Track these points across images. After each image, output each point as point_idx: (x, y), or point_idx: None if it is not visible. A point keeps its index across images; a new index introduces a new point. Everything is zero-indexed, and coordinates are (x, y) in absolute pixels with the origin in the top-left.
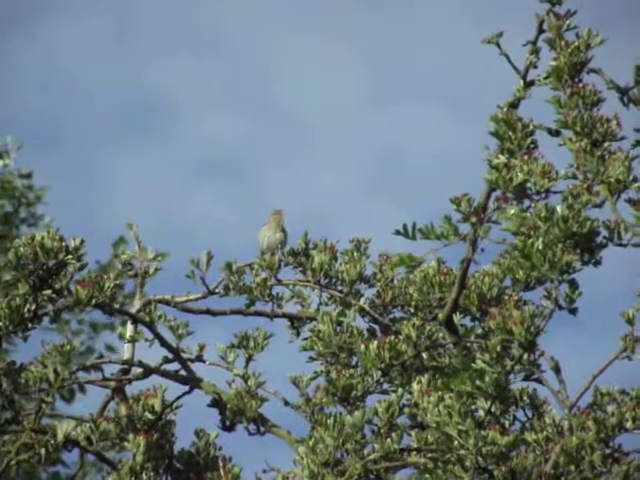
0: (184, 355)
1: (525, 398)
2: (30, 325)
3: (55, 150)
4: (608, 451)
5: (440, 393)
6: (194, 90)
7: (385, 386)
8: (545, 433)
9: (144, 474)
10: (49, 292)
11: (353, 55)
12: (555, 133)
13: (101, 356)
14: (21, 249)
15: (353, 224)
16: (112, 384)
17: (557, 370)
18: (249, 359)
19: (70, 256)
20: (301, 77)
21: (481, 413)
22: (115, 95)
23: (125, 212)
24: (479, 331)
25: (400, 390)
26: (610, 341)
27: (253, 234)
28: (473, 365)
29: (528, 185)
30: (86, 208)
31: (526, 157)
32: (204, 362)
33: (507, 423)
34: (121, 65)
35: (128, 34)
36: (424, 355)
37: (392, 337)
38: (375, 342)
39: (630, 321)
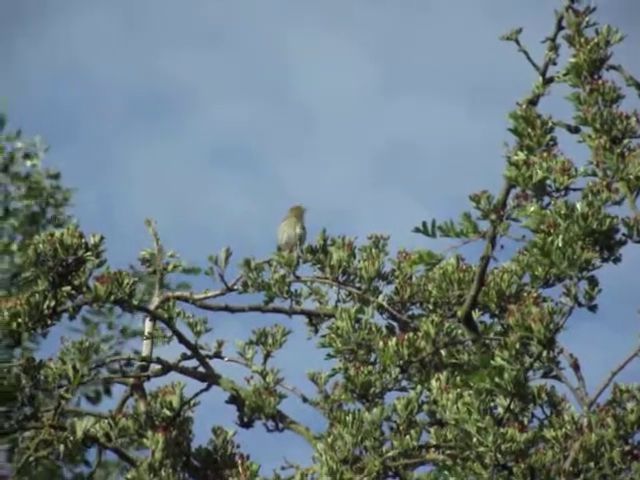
0: (202, 352)
1: (543, 396)
2: (49, 322)
3: (68, 143)
4: (627, 448)
5: (459, 390)
6: (205, 81)
7: (404, 383)
8: (564, 430)
9: (163, 471)
10: (68, 288)
11: (364, 47)
12: (574, 130)
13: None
14: (40, 246)
15: (365, 215)
16: (131, 381)
17: (576, 367)
18: (267, 356)
19: (89, 253)
20: (313, 68)
21: (500, 410)
22: (127, 87)
23: (140, 204)
24: (498, 328)
25: (419, 387)
26: (631, 336)
27: (266, 223)
28: (492, 362)
29: (547, 182)
30: (101, 201)
31: (545, 154)
32: (222, 359)
33: (526, 420)
34: (132, 57)
35: (138, 25)
36: (443, 352)
37: (411, 334)
38: (394, 339)
39: None
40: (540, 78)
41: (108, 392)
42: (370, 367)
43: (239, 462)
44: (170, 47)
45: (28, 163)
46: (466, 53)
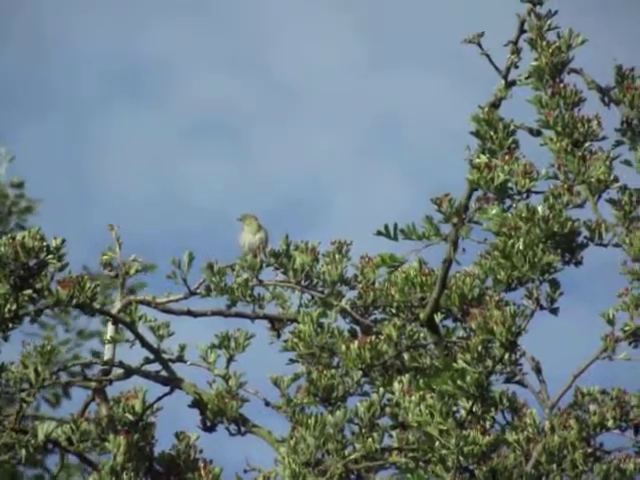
0: (165, 356)
1: (505, 401)
2: (11, 325)
3: (43, 117)
4: (590, 450)
5: (421, 393)
6: (185, 54)
7: (366, 387)
8: (526, 433)
9: (125, 474)
10: (30, 292)
11: (349, 21)
12: (536, 133)
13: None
14: (2, 249)
15: (349, 188)
16: (93, 385)
17: (538, 370)
18: (230, 359)
19: (51, 255)
20: (297, 41)
21: (462, 413)
22: (104, 60)
23: (117, 179)
24: (460, 332)
25: (381, 390)
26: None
27: (245, 198)
28: (454, 365)
29: (509, 185)
30: (78, 174)
31: (507, 157)
32: (185, 362)
33: (488, 425)
34: (110, 29)
35: None
36: (405, 356)
37: (373, 337)
38: (356, 342)
39: (610, 321)
40: (502, 81)
41: (68, 395)
42: (333, 370)
43: (202, 466)
44: (149, 19)
45: None
46: (453, 25)
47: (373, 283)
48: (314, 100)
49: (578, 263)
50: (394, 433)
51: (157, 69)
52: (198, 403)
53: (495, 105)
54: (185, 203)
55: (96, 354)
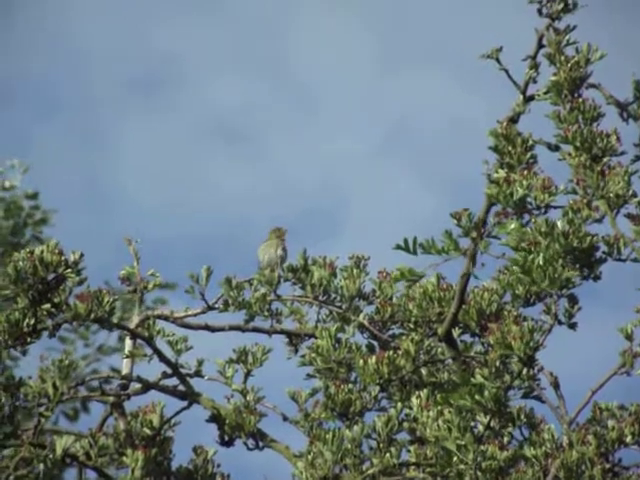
0: (183, 370)
1: (522, 417)
2: (29, 339)
3: (58, 117)
4: (608, 465)
5: (439, 408)
6: (200, 56)
7: (384, 402)
8: (544, 449)
9: None
10: (48, 306)
11: (365, 24)
12: (555, 148)
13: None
14: (20, 263)
15: (366, 191)
16: (111, 399)
17: (556, 385)
18: (248, 374)
19: (69, 270)
20: (311, 43)
21: (480, 428)
22: (120, 61)
23: (131, 181)
24: (478, 347)
25: (399, 405)
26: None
27: (260, 201)
28: (472, 380)
29: (528, 200)
30: (92, 177)
31: (526, 172)
32: (203, 377)
33: (505, 440)
34: (126, 30)
35: None
36: (423, 371)
37: (390, 352)
38: (373, 357)
39: (629, 337)
40: (521, 96)
41: (86, 410)
42: (350, 385)
43: None
44: (165, 21)
45: (7, 184)
46: (465, 28)
47: (391, 298)
48: (331, 103)
49: (597, 278)
50: (412, 448)
51: (172, 71)
52: (216, 418)
53: (513, 120)
54: (202, 208)
55: (115, 369)
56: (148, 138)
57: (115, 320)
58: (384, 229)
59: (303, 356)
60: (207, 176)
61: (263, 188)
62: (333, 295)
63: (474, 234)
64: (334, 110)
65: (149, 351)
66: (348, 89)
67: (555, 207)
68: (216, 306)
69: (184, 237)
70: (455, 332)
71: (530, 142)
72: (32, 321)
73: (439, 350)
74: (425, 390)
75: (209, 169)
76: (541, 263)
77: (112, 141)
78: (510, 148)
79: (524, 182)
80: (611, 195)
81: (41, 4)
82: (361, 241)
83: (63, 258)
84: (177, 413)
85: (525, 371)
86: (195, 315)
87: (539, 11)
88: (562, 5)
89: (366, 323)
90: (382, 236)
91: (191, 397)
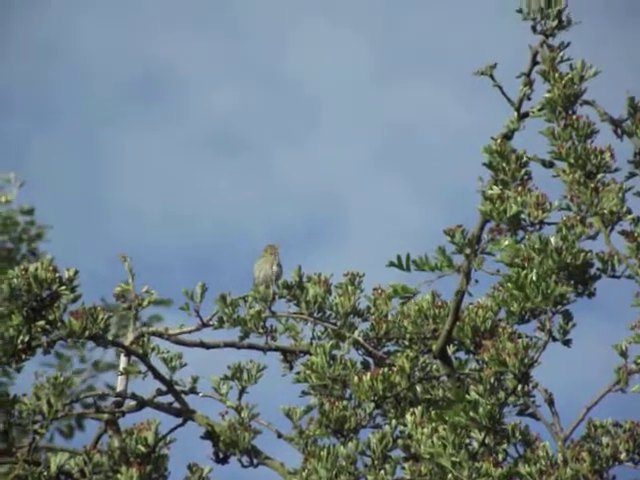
0: (177, 387)
1: (517, 434)
2: (24, 356)
3: (56, 127)
4: None
5: (434, 424)
6: (198, 65)
7: (378, 419)
8: (538, 466)
9: None
10: (43, 323)
11: (360, 32)
12: (549, 165)
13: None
14: (15, 280)
15: (364, 200)
16: (105, 416)
17: (550, 402)
18: (242, 391)
19: (64, 287)
20: (308, 53)
21: (475, 445)
22: (117, 68)
23: (130, 190)
24: (473, 364)
25: (394, 421)
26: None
27: (259, 210)
28: (467, 397)
29: (522, 216)
30: (90, 185)
31: (520, 188)
32: (197, 394)
33: (500, 457)
34: (124, 39)
35: (131, 7)
36: (418, 388)
37: (385, 369)
38: (368, 374)
39: (623, 354)
40: (515, 113)
41: (81, 427)
42: (345, 402)
43: None
44: (163, 30)
45: (2, 199)
46: (462, 41)
47: (386, 315)
48: (330, 112)
49: (591, 294)
50: (406, 465)
51: (172, 79)
52: (210, 435)
53: (508, 137)
54: (200, 216)
55: (111, 387)
56: (147, 147)
57: (110, 337)
58: (381, 238)
59: (298, 373)
60: (205, 185)
61: (262, 196)
62: (328, 312)
63: (468, 251)
64: (335, 119)
65: (144, 368)
66: (346, 99)
67: (549, 224)
68: (211, 323)
69: (183, 246)
70: (450, 349)
71: (524, 159)
72: (27, 338)
73: (434, 367)
74: (420, 407)
75: (207, 178)
76: (534, 279)
77: (110, 148)
78: (504, 165)
79: (518, 199)
80: (605, 212)
81: (39, 13)
82: (359, 248)
83: (57, 275)
84: (172, 430)
85: (520, 388)
86: (190, 332)
87: (533, 28)
88: (556, 22)
89: (361, 340)
90: (379, 244)
91: (186, 414)
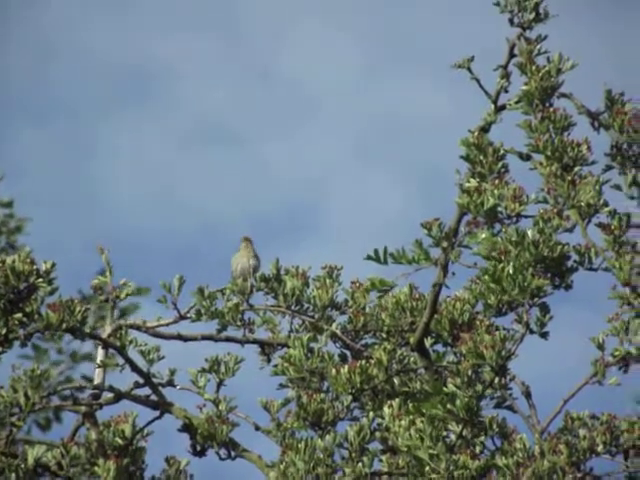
0: (155, 380)
1: (494, 426)
2: (0, 349)
3: (48, 119)
4: (579, 475)
5: (411, 417)
6: (190, 60)
7: (356, 412)
8: (515, 458)
9: None
10: (20, 316)
11: (350, 26)
12: (526, 157)
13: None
14: None
15: (347, 191)
16: (83, 409)
17: (528, 395)
18: (220, 384)
19: (41, 279)
20: (297, 48)
21: (452, 437)
22: (110, 66)
23: (125, 184)
24: (451, 357)
25: (371, 414)
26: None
27: (249, 202)
28: (444, 389)
29: (499, 209)
30: (81, 178)
31: (497, 181)
32: (175, 387)
33: (477, 449)
34: (117, 35)
35: (125, 3)
36: (395, 380)
37: (363, 361)
38: (346, 366)
39: (600, 346)
40: (492, 105)
41: (58, 419)
42: (323, 395)
43: None
44: (160, 28)
45: None
46: (451, 31)
47: (363, 308)
48: (316, 104)
49: (568, 287)
50: (384, 457)
51: (163, 73)
52: (188, 427)
53: (485, 129)
54: (189, 208)
55: (88, 378)
56: (141, 140)
57: (87, 330)
58: (364, 226)
59: (276, 366)
60: (193, 175)
61: (246, 186)
62: (306, 305)
63: (445, 244)
64: (320, 111)
65: (121, 361)
66: (334, 91)
67: (526, 216)
68: (188, 315)
69: (168, 231)
70: (427, 341)
71: (501, 151)
72: (3, 331)
73: (411, 359)
74: (397, 399)
75: (195, 168)
76: (511, 272)
77: (102, 142)
78: (482, 157)
79: (495, 191)
80: (582, 204)
81: (38, 10)
82: (339, 239)
83: (35, 267)
84: (149, 423)
85: (497, 380)
86: (167, 325)
87: (510, 21)
88: (533, 15)
89: (339, 333)
90: (361, 233)
91: (163, 407)
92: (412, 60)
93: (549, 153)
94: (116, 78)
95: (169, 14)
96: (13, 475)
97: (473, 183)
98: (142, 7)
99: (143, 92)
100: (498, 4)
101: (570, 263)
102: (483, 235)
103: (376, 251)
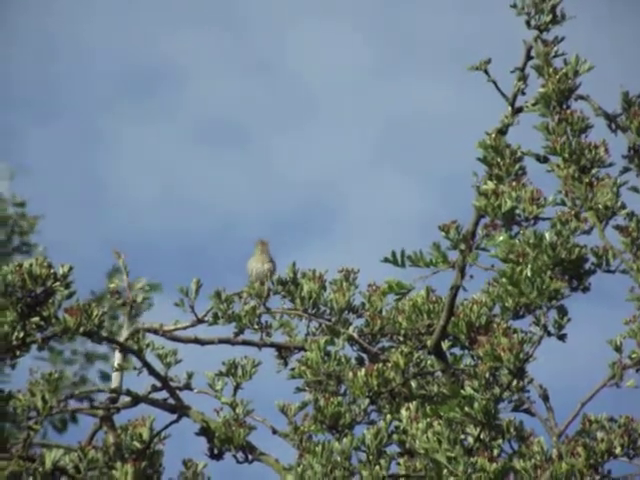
0: (172, 383)
1: (512, 429)
2: (18, 353)
3: (55, 118)
4: (597, 477)
5: (429, 420)
6: (197, 56)
7: (373, 415)
8: (533, 461)
9: None
10: (37, 320)
11: (364, 27)
12: (543, 159)
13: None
14: (9, 276)
15: (362, 191)
16: (100, 412)
17: (545, 398)
18: (237, 387)
19: (58, 283)
20: (307, 45)
21: (470, 440)
22: (116, 62)
23: (130, 180)
24: (468, 360)
25: (389, 417)
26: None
27: (257, 199)
28: (462, 392)
29: (517, 212)
30: (89, 177)
31: (514, 183)
32: (192, 390)
33: (495, 452)
34: (123, 31)
35: (131, 1)
36: (412, 383)
37: (380, 364)
38: (363, 370)
39: (618, 348)
40: (509, 108)
41: (75, 420)
42: (340, 398)
43: None
44: (164, 25)
45: None
46: (465, 32)
47: (380, 311)
48: (328, 103)
49: (586, 289)
50: (401, 460)
51: (170, 70)
52: (205, 431)
53: (502, 131)
54: (196, 204)
55: (105, 375)
56: (146, 138)
57: (104, 333)
58: (378, 229)
59: (293, 369)
60: (204, 174)
61: (261, 186)
62: (322, 308)
63: (463, 246)
64: (333, 110)
65: (139, 364)
66: (348, 90)
67: (544, 219)
68: (206, 319)
69: (179, 231)
70: (444, 344)
71: (519, 154)
72: (21, 334)
73: (428, 362)
74: (414, 402)
75: (206, 167)
76: (529, 274)
77: (109, 140)
78: (499, 159)
79: (513, 194)
80: (600, 206)
81: (41, 7)
82: (355, 239)
83: (52, 271)
84: (167, 426)
85: (515, 383)
86: (184, 328)
87: (527, 23)
88: (550, 17)
89: (355, 336)
90: (376, 235)
91: (181, 410)
92: (426, 59)
93: (566, 155)
94: (121, 76)
95: (173, 11)
96: (31, 478)
97: (490, 185)
98: (145, 4)
99: (149, 89)
100: (515, 6)
101: (588, 265)
102: (501, 238)
103: (393, 253)
